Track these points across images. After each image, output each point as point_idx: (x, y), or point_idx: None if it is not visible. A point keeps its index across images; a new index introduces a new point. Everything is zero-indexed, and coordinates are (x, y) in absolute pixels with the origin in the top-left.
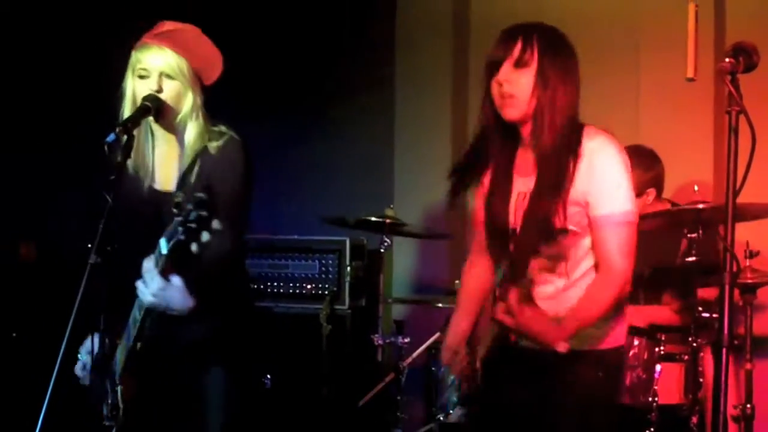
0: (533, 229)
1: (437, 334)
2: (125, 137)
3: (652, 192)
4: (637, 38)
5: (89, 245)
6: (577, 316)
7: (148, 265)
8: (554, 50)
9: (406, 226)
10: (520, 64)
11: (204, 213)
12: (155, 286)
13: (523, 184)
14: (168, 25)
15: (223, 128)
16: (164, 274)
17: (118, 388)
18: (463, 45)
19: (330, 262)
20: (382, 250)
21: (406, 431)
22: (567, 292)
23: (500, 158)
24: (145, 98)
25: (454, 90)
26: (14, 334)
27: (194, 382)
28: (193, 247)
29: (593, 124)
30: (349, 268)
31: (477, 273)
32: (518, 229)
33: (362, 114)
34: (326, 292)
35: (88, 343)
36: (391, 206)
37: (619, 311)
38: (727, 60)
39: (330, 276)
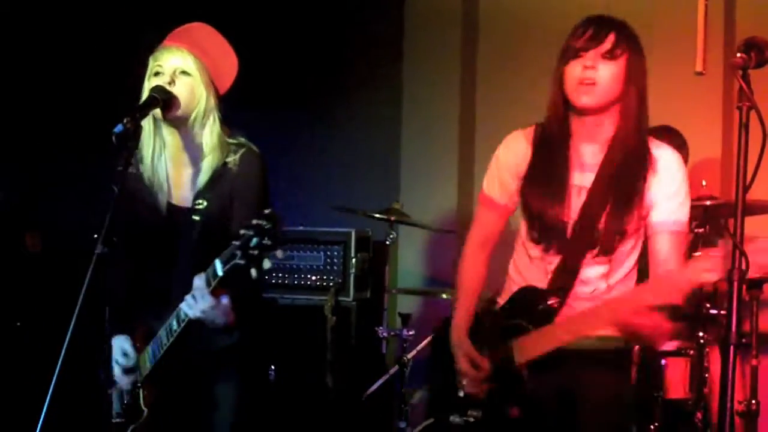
0: (590, 226)
1: None
2: (133, 127)
3: None
4: (647, 31)
5: (95, 236)
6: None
7: (199, 282)
8: (639, 51)
9: (412, 218)
10: (610, 55)
11: (268, 242)
12: (206, 305)
13: (580, 178)
14: (191, 27)
15: (242, 140)
16: (215, 293)
17: (140, 392)
18: (471, 40)
19: (335, 253)
20: (387, 242)
21: (410, 424)
22: (603, 295)
23: (558, 148)
24: (153, 89)
25: (461, 84)
26: (18, 324)
27: (209, 389)
28: (253, 272)
29: None
30: (354, 260)
31: (481, 266)
32: (574, 225)
33: (369, 107)
34: (331, 284)
35: (117, 347)
36: (398, 199)
37: None
38: (738, 55)
39: (335, 267)
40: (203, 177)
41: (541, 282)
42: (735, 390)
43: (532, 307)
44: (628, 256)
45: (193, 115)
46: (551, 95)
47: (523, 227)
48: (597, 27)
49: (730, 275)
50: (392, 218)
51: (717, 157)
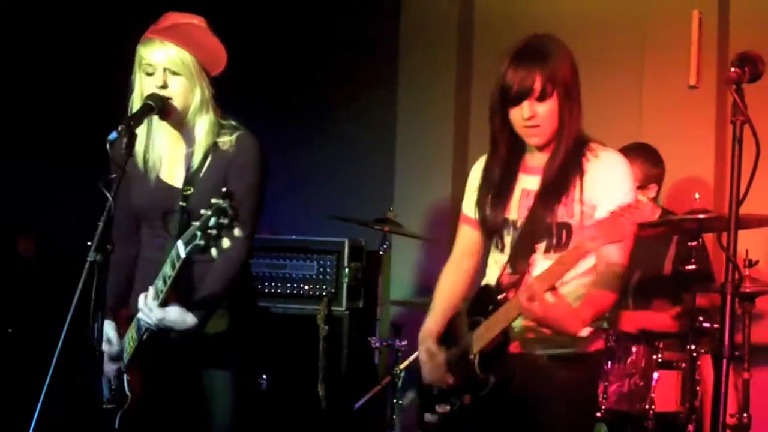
0: (537, 222)
1: None
2: (127, 135)
3: (654, 188)
4: (641, 45)
5: (89, 243)
6: (594, 304)
7: (142, 301)
8: (566, 74)
9: (406, 227)
10: (542, 97)
11: (225, 221)
12: (154, 319)
13: (528, 182)
14: (171, 19)
15: (233, 122)
16: (163, 304)
17: (125, 377)
18: (466, 47)
19: (328, 263)
20: (381, 252)
21: None
22: (560, 288)
23: (508, 161)
24: (148, 97)
25: (456, 92)
26: (10, 330)
27: (199, 379)
28: (213, 252)
29: (596, 130)
30: (347, 270)
31: (459, 276)
32: (521, 223)
33: (363, 115)
34: (324, 293)
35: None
36: (392, 208)
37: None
38: (732, 70)
39: (328, 277)
40: (196, 159)
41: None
42: (728, 403)
43: (487, 303)
44: None
45: (191, 111)
46: (497, 122)
47: (490, 243)
48: (523, 71)
49: (724, 289)
50: (386, 228)
51: (710, 171)
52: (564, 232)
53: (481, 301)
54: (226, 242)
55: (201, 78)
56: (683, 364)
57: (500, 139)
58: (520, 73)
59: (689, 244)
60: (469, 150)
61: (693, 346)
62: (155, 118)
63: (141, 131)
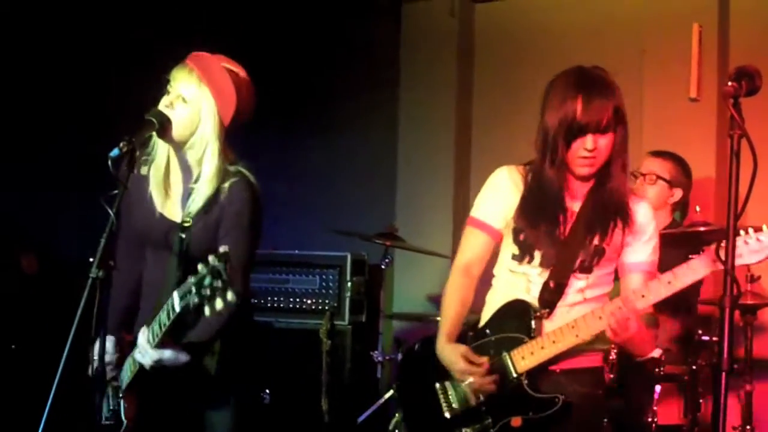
0: (577, 243)
1: None
2: (129, 151)
3: (678, 192)
4: (640, 57)
5: (90, 260)
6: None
7: (142, 339)
8: (623, 108)
9: (408, 241)
10: (605, 130)
11: (218, 284)
12: (149, 360)
13: (570, 203)
14: (218, 59)
15: (239, 168)
16: (159, 346)
17: (121, 401)
18: (467, 62)
19: (331, 277)
20: (383, 267)
21: None
22: (576, 307)
23: (557, 184)
24: (149, 113)
25: (457, 106)
26: (13, 347)
27: (202, 413)
28: (206, 311)
29: None
30: (349, 284)
31: (469, 282)
32: (564, 242)
33: (365, 131)
34: (326, 308)
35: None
36: (394, 222)
37: None
38: (729, 84)
39: (330, 291)
40: (195, 204)
41: (522, 292)
42: (729, 416)
43: (525, 319)
44: (604, 278)
45: (189, 143)
46: (556, 147)
47: (505, 253)
48: (596, 106)
49: (722, 302)
50: (387, 243)
51: (711, 183)
52: (598, 256)
53: (516, 316)
54: (219, 303)
55: (210, 120)
56: (685, 377)
57: (554, 162)
58: (593, 107)
59: (690, 256)
60: (471, 163)
61: (694, 359)
62: (168, 149)
63: (162, 156)
